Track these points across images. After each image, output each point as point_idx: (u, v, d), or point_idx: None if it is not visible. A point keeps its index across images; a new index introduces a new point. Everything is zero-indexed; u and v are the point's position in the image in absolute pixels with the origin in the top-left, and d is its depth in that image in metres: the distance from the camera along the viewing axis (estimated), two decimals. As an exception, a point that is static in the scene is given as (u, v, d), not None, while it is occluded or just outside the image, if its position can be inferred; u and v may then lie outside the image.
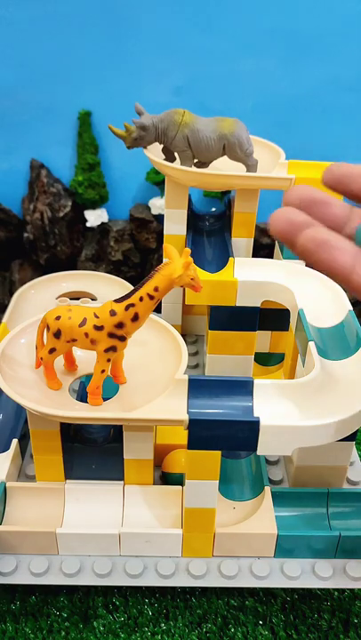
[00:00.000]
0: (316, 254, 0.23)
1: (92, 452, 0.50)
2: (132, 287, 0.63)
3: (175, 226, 0.62)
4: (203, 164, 0.58)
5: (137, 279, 0.78)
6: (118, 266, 0.79)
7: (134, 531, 0.48)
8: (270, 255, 0.72)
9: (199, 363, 0.68)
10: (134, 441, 0.47)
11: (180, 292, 0.64)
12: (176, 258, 0.43)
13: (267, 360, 0.66)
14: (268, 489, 0.50)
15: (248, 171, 0.57)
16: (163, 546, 0.48)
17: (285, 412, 0.42)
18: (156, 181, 0.74)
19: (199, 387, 0.43)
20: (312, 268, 0.24)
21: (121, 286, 0.67)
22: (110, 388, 0.47)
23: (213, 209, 0.74)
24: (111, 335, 0.44)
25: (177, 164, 0.57)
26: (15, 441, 0.54)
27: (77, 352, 0.49)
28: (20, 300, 0.66)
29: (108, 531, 0.47)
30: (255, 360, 0.61)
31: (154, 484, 0.51)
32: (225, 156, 0.57)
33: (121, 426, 0.47)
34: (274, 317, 0.61)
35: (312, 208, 0.25)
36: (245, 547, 0.48)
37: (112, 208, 0.78)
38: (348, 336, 0.50)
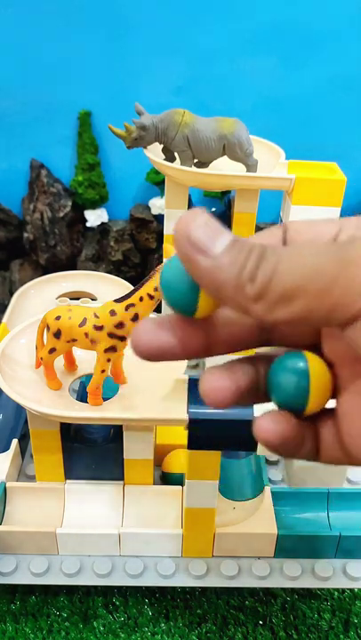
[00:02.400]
0: (280, 452, 0.23)
1: (92, 452, 0.50)
2: (132, 287, 0.63)
3: (175, 226, 0.62)
4: (203, 164, 0.58)
5: (137, 279, 0.77)
6: (118, 266, 0.79)
7: (134, 531, 0.48)
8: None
9: (199, 363, 0.68)
10: (134, 441, 0.47)
11: (180, 292, 0.64)
12: (176, 258, 0.43)
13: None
14: (268, 489, 0.50)
15: (248, 171, 0.57)
16: (163, 546, 0.48)
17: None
18: (156, 181, 0.74)
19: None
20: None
21: (121, 286, 0.67)
22: (110, 388, 0.47)
23: (213, 209, 0.74)
24: (111, 335, 0.44)
25: (177, 163, 0.57)
26: (15, 441, 0.54)
27: (77, 352, 0.49)
28: (20, 299, 0.66)
29: (108, 531, 0.47)
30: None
31: (154, 484, 0.51)
32: (225, 156, 0.57)
33: (121, 426, 0.47)
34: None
35: (166, 356, 0.22)
36: (245, 547, 0.48)
37: (112, 208, 0.78)
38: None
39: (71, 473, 0.50)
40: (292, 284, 0.17)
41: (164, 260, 0.45)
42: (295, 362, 0.23)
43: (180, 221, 0.18)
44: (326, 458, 0.23)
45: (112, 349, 0.45)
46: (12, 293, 0.75)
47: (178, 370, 0.45)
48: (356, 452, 0.22)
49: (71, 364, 0.49)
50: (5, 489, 0.50)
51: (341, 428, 0.22)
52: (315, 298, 0.17)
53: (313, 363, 0.23)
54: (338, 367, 0.23)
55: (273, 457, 0.57)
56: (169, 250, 0.44)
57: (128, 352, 0.47)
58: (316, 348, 0.24)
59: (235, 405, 0.23)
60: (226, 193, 0.74)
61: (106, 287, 0.68)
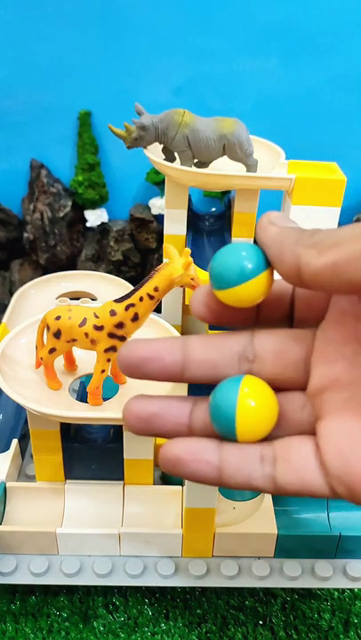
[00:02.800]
0: (178, 471, 0.23)
1: (92, 451, 0.50)
2: (132, 287, 0.63)
3: (175, 226, 0.62)
4: (203, 164, 0.58)
5: (137, 279, 0.77)
6: (118, 266, 0.79)
7: (134, 531, 0.48)
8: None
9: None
10: (134, 441, 0.47)
11: (180, 291, 0.64)
12: (176, 258, 0.43)
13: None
14: (268, 489, 0.50)
15: (248, 171, 0.57)
16: (163, 546, 0.48)
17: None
18: (156, 181, 0.74)
19: (199, 386, 0.43)
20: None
21: (121, 286, 0.67)
22: (110, 388, 0.47)
23: (213, 209, 0.74)
24: (111, 335, 0.44)
25: (177, 163, 0.57)
26: (15, 441, 0.54)
27: (77, 352, 0.49)
28: (20, 299, 0.66)
29: (108, 531, 0.47)
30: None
31: (154, 484, 0.51)
32: (225, 156, 0.57)
33: (121, 426, 0.47)
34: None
35: (143, 368, 0.24)
36: (245, 547, 0.48)
37: (112, 208, 0.78)
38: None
39: (71, 473, 0.50)
40: (340, 238, 0.21)
41: (164, 259, 0.45)
42: (224, 391, 0.23)
43: (264, 214, 0.24)
44: (288, 484, 0.22)
45: (112, 349, 0.45)
46: (11, 293, 0.75)
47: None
48: (339, 471, 0.21)
49: (71, 363, 0.49)
50: (5, 489, 0.50)
51: (324, 449, 0.22)
52: (356, 247, 0.20)
53: (250, 389, 0.23)
54: (327, 392, 0.23)
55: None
56: (169, 250, 0.44)
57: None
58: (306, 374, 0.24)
59: (155, 434, 0.24)
60: (226, 193, 0.74)
61: (106, 287, 0.68)
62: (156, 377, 0.24)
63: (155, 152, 0.58)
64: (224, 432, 0.23)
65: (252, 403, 0.22)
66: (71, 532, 0.47)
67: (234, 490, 0.23)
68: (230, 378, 0.24)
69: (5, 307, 0.66)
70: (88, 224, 0.76)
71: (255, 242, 0.24)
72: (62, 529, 0.47)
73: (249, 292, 0.23)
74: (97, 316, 0.44)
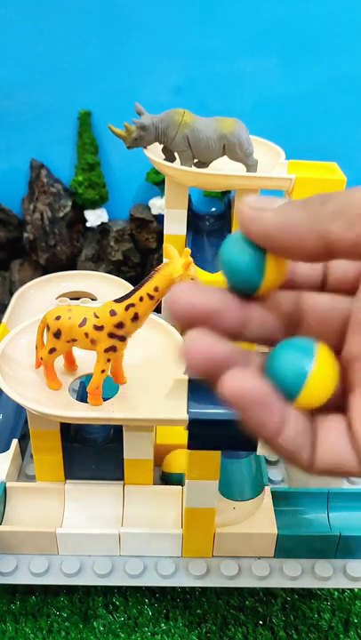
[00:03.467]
0: (242, 412, 0.21)
1: (92, 452, 0.50)
2: (132, 287, 0.63)
3: (175, 226, 0.62)
4: (203, 164, 0.58)
5: (137, 279, 0.77)
6: (118, 266, 0.79)
7: (134, 531, 0.48)
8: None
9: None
10: (134, 441, 0.47)
11: (180, 292, 0.64)
12: (176, 258, 0.43)
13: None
14: (268, 489, 0.50)
15: (248, 171, 0.57)
16: (163, 546, 0.48)
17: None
18: (156, 181, 0.74)
19: (199, 386, 0.43)
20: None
21: (121, 286, 0.67)
22: (110, 388, 0.47)
23: (213, 209, 0.74)
24: (111, 335, 0.44)
25: (177, 163, 0.57)
26: (15, 441, 0.54)
27: (77, 352, 0.49)
28: (20, 300, 0.66)
29: (108, 531, 0.47)
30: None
31: (154, 484, 0.51)
32: (225, 156, 0.57)
33: (121, 426, 0.47)
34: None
35: (199, 325, 0.22)
36: (245, 547, 0.48)
37: (112, 208, 0.78)
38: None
39: (71, 473, 0.50)
40: None
41: (164, 259, 0.45)
42: (297, 353, 0.21)
43: (242, 202, 0.21)
44: (323, 463, 0.21)
45: (112, 349, 0.45)
46: (11, 293, 0.75)
47: (178, 370, 0.45)
48: None
49: (71, 363, 0.49)
50: (5, 489, 0.50)
51: (355, 424, 0.21)
52: None
53: (326, 359, 0.22)
54: (358, 362, 0.22)
55: (273, 457, 0.57)
56: (169, 250, 0.44)
57: (128, 352, 0.47)
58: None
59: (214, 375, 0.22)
60: (226, 193, 0.74)
61: (106, 287, 0.68)
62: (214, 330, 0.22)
63: (155, 152, 0.58)
64: (284, 391, 0.22)
65: (325, 373, 0.21)
66: (71, 531, 0.47)
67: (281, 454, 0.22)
68: (303, 340, 0.22)
69: (5, 307, 0.66)
70: (88, 224, 0.76)
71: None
72: (62, 529, 0.47)
73: (270, 282, 0.21)
74: (97, 316, 0.44)
